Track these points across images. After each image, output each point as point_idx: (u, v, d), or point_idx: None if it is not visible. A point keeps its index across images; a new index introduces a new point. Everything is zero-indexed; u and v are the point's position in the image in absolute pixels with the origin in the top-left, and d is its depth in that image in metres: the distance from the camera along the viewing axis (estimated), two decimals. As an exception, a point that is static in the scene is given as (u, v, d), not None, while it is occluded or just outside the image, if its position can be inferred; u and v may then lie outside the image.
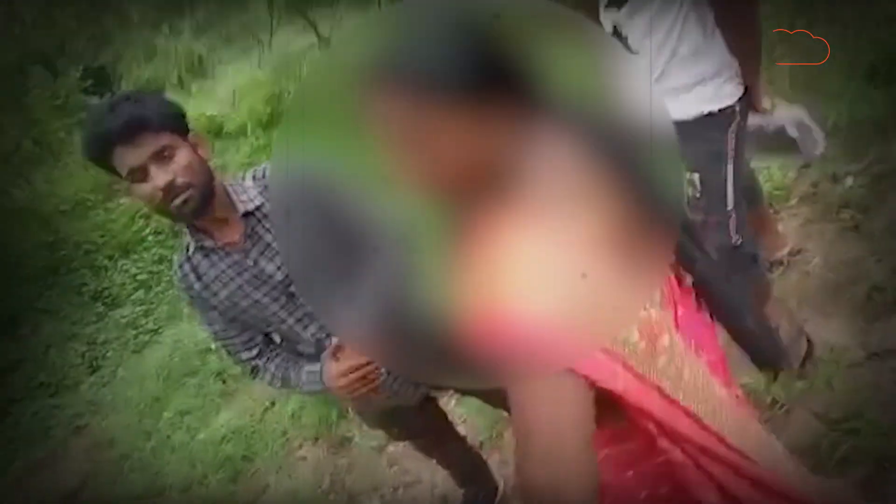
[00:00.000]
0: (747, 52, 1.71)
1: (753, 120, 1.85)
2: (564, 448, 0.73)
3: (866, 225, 2.41)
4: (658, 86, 1.66)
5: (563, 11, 0.61)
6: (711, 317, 1.05)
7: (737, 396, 1.06)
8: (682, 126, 1.31)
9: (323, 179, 0.62)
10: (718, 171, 1.79)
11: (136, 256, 5.44)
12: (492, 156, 0.63)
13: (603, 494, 0.78)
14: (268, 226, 1.53)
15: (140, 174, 1.36)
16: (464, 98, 0.61)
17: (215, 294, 1.55)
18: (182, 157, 1.39)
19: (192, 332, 4.17)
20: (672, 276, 0.98)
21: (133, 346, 4.66)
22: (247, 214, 1.51)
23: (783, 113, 1.90)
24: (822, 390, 2.07)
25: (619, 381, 0.79)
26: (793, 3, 3.49)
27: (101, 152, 1.36)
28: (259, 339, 1.65)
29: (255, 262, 1.53)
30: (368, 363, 1.47)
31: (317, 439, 3.11)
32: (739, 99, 1.75)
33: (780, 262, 2.47)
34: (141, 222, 5.61)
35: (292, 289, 1.56)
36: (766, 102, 1.82)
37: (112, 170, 1.40)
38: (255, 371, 1.67)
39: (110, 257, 5.55)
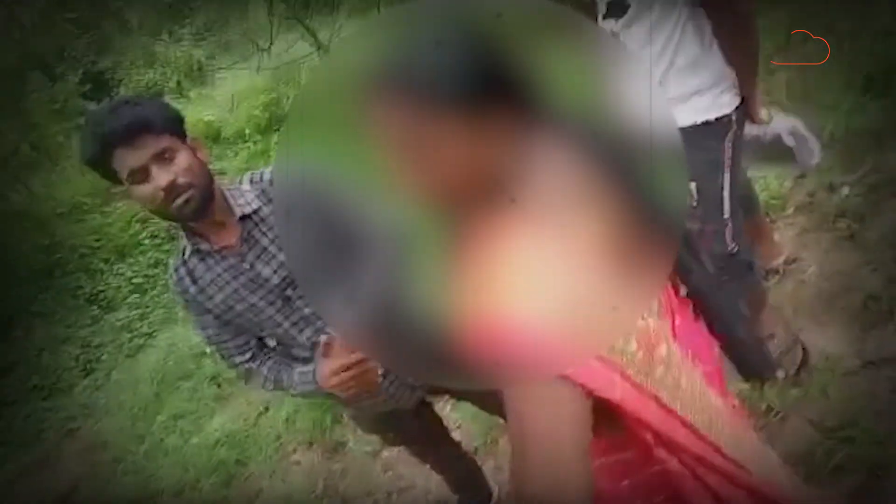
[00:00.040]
0: (744, 64, 1.72)
1: (750, 130, 1.86)
2: (561, 457, 0.73)
3: (862, 234, 2.42)
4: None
5: (565, 12, 0.60)
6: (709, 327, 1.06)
7: (733, 406, 1.06)
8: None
9: (323, 184, 0.62)
10: (715, 180, 1.80)
11: (131, 260, 5.45)
12: (491, 162, 0.63)
13: None
14: (264, 229, 1.53)
15: (141, 175, 1.36)
16: (463, 104, 0.61)
17: (211, 298, 1.55)
18: (182, 158, 1.40)
19: (187, 335, 4.16)
20: (669, 286, 0.98)
21: (127, 349, 4.65)
22: (244, 218, 1.51)
23: (780, 123, 1.91)
24: (817, 398, 2.07)
25: (617, 391, 0.78)
26: (790, 15, 3.52)
27: (101, 154, 1.35)
28: (252, 343, 1.65)
29: (252, 266, 1.53)
30: (359, 361, 1.47)
31: (311, 444, 3.11)
32: (736, 108, 1.76)
33: (776, 271, 2.48)
34: (137, 226, 5.62)
35: (288, 292, 1.56)
36: (762, 113, 1.83)
37: (109, 174, 1.39)
38: (247, 374, 1.66)
39: (106, 261, 5.55)
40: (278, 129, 5.75)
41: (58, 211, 6.06)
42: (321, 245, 0.63)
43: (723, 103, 1.74)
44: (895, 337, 2.09)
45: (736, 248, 1.91)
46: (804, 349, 2.18)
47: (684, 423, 0.88)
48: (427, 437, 2.12)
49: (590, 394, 0.76)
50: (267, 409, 3.44)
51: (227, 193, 1.52)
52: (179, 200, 1.39)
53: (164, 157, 1.37)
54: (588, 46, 0.62)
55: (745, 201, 2.15)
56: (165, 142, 1.38)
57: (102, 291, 5.29)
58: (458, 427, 2.66)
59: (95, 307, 5.20)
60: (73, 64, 7.42)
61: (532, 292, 0.64)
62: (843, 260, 2.39)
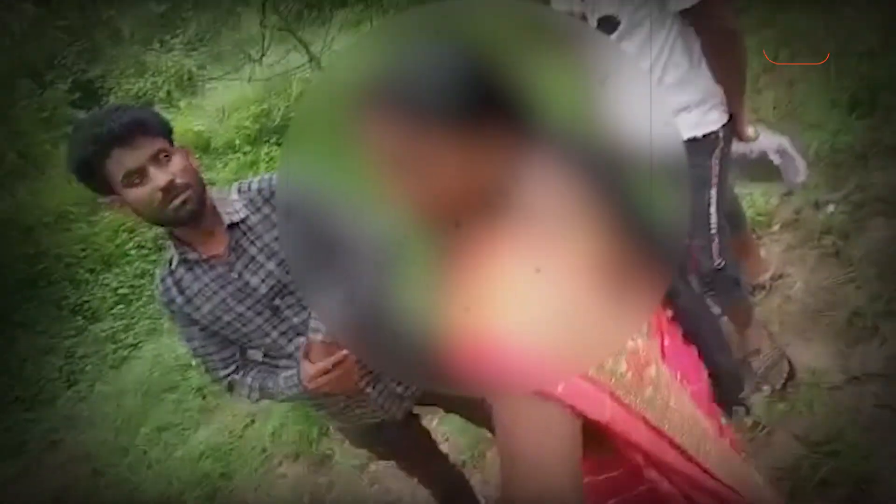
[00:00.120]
0: (733, 81, 1.74)
1: (737, 147, 1.88)
2: (549, 474, 0.73)
3: (847, 251, 2.45)
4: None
5: (561, 21, 0.61)
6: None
7: (720, 427, 1.06)
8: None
9: (320, 193, 0.62)
10: (702, 196, 1.82)
11: (117, 270, 5.41)
12: (485, 175, 0.62)
13: None
14: (252, 238, 1.53)
15: (138, 176, 1.36)
16: (457, 117, 0.61)
17: (198, 308, 1.54)
18: (178, 160, 1.40)
19: (173, 347, 4.14)
20: (659, 306, 0.98)
21: (112, 360, 4.61)
22: (232, 227, 1.51)
23: (766, 141, 1.94)
24: (802, 413, 2.09)
25: (607, 412, 0.78)
26: (776, 35, 3.57)
27: (98, 155, 1.34)
28: (237, 356, 1.64)
29: (240, 275, 1.53)
30: (340, 362, 1.47)
31: (297, 456, 3.08)
32: (723, 126, 1.78)
33: (763, 287, 2.50)
34: (124, 236, 5.58)
35: (276, 302, 1.55)
36: (749, 130, 1.85)
37: (99, 180, 1.38)
38: (232, 386, 1.65)
39: (92, 271, 5.51)
40: (268, 141, 5.75)
41: (44, 220, 6.02)
42: (317, 250, 0.64)
43: (710, 120, 1.76)
44: (879, 352, 2.12)
45: (722, 263, 1.93)
46: (790, 364, 2.20)
47: (673, 444, 0.87)
48: (415, 450, 2.11)
49: (580, 415, 0.76)
50: (253, 421, 3.41)
51: (216, 202, 1.52)
52: (177, 201, 1.39)
53: (160, 159, 1.37)
54: (584, 51, 0.62)
55: (732, 218, 2.17)
56: (161, 143, 1.38)
57: (87, 302, 5.24)
58: (446, 440, 2.65)
59: (80, 317, 5.15)
60: (63, 72, 7.39)
61: (522, 306, 0.63)
62: (828, 276, 2.42)
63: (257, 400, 1.66)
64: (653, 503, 0.92)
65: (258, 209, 1.53)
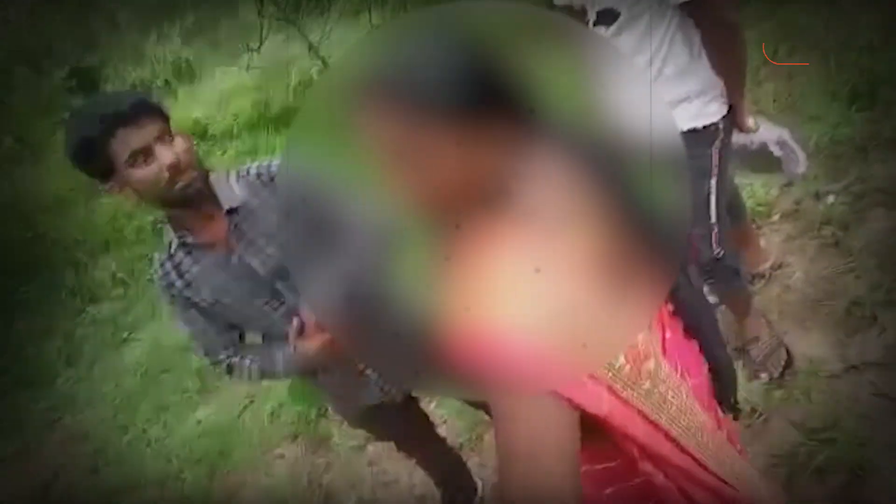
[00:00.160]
0: (732, 73, 1.74)
1: (737, 138, 1.88)
2: (546, 463, 0.73)
3: (846, 242, 2.46)
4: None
5: (559, 18, 0.60)
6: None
7: (718, 420, 1.07)
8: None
9: (321, 186, 0.63)
10: (702, 186, 1.82)
11: (116, 254, 5.40)
12: (486, 170, 0.62)
13: None
14: (252, 222, 1.53)
15: (143, 156, 1.36)
16: (458, 112, 0.61)
17: (198, 291, 1.55)
18: (181, 141, 1.41)
19: (171, 330, 4.13)
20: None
21: (111, 342, 4.61)
22: (230, 211, 1.51)
23: (766, 132, 1.94)
24: (800, 401, 2.11)
25: (604, 406, 0.78)
26: (775, 28, 3.58)
27: (104, 134, 1.34)
28: (236, 338, 1.65)
29: (240, 258, 1.53)
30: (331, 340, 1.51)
31: (296, 437, 3.10)
32: (724, 117, 1.78)
33: (762, 276, 2.51)
34: (122, 220, 5.57)
35: (277, 285, 1.56)
36: (749, 121, 1.85)
37: (99, 164, 1.38)
38: (230, 369, 1.66)
39: (91, 254, 5.50)
40: (266, 128, 5.74)
41: (42, 204, 6.00)
42: (317, 246, 0.64)
43: (710, 111, 1.76)
44: (878, 342, 2.13)
45: (721, 253, 1.94)
46: (788, 352, 2.22)
47: (669, 437, 0.88)
48: (413, 433, 2.13)
49: (577, 408, 0.76)
50: (252, 401, 3.42)
51: (215, 187, 1.52)
52: (183, 180, 1.40)
53: (165, 138, 1.38)
54: (583, 52, 0.61)
55: (733, 208, 2.18)
56: (163, 124, 1.39)
57: (86, 285, 5.24)
58: (444, 423, 2.67)
59: (79, 300, 5.15)
60: (60, 60, 7.34)
61: (523, 304, 0.63)
62: (827, 266, 2.43)
63: (258, 378, 1.68)
64: (648, 495, 0.93)
65: (257, 194, 1.54)
